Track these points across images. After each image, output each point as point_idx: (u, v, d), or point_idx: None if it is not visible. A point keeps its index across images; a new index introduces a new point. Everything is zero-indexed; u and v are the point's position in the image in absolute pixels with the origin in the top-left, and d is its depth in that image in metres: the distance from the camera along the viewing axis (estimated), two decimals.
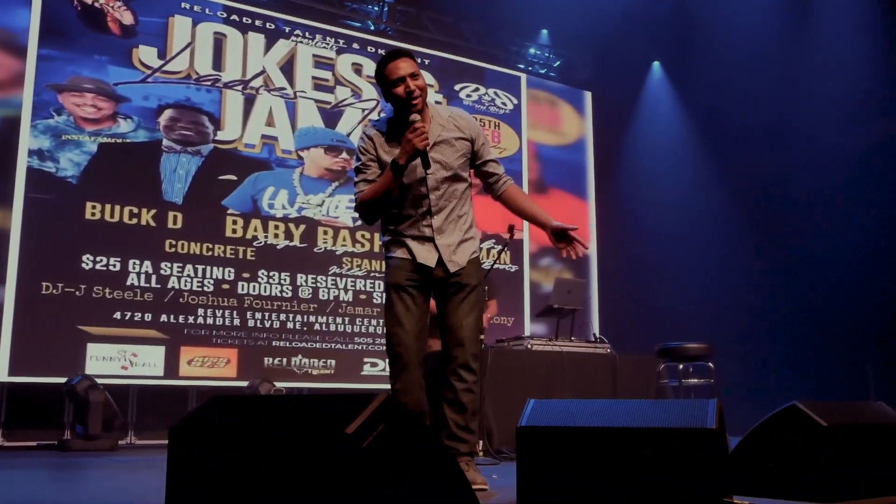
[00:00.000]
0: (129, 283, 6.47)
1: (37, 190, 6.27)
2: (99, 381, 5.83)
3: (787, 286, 7.73)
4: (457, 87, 8.65)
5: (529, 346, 5.35)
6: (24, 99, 6.33)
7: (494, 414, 4.80)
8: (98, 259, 6.39)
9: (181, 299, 6.67)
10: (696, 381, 6.02)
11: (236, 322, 6.89)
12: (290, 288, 7.20)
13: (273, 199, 7.30)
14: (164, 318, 6.58)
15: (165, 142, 6.89)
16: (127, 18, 6.88)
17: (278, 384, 6.62)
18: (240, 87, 7.32)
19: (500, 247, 7.89)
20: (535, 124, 9.18)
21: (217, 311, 6.81)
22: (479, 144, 3.04)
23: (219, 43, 7.30)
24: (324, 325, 7.32)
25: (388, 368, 2.92)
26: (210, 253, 6.87)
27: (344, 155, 7.78)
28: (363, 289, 7.61)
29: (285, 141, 7.49)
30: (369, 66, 7.90)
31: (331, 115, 7.80)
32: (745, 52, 8.02)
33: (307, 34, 7.79)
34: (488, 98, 8.84)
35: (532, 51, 9.64)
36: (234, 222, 7.06)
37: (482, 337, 4.01)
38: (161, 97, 6.92)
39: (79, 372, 5.97)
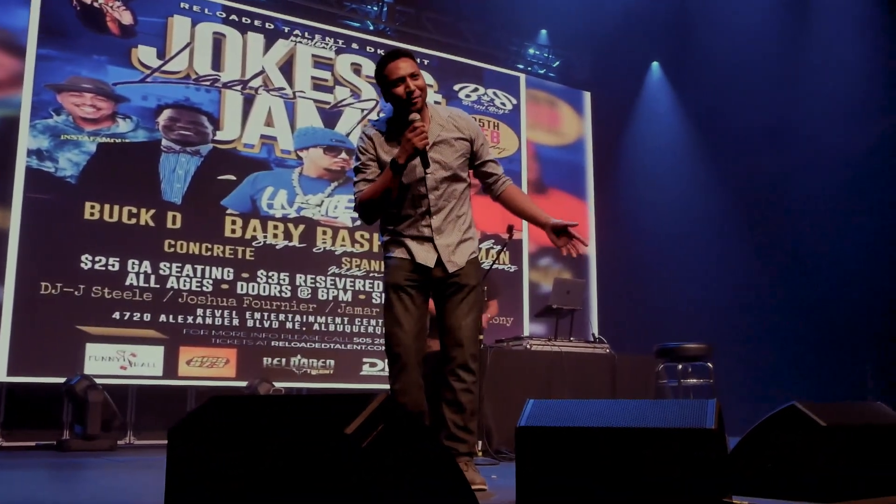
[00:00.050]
0: (128, 283, 6.47)
1: (36, 190, 6.26)
2: (98, 381, 5.83)
3: (787, 286, 7.72)
4: (456, 88, 8.65)
5: (528, 347, 5.35)
6: (23, 99, 6.32)
7: (493, 414, 4.80)
8: (97, 259, 6.38)
9: (180, 299, 6.67)
10: (695, 381, 6.02)
11: (235, 322, 6.88)
12: (289, 288, 7.20)
13: (272, 199, 7.30)
14: (163, 318, 6.57)
15: (164, 142, 6.88)
16: (126, 18, 6.88)
17: (277, 384, 6.62)
18: (239, 87, 7.32)
19: (499, 247, 7.88)
20: (534, 124, 9.18)
21: (216, 311, 6.81)
22: (479, 145, 3.05)
23: (218, 43, 7.29)
24: (323, 326, 7.32)
25: (387, 369, 2.92)
26: (209, 253, 6.87)
27: (343, 155, 7.78)
28: (362, 289, 7.61)
29: (284, 141, 7.48)
30: (368, 67, 7.90)
31: (330, 115, 7.79)
32: (745, 53, 8.00)
33: (306, 34, 7.78)
34: (487, 98, 8.84)
35: (531, 51, 9.64)
36: (234, 222, 7.06)
37: (481, 337, 4.01)
38: (160, 97, 6.92)
39: (78, 372, 5.97)
